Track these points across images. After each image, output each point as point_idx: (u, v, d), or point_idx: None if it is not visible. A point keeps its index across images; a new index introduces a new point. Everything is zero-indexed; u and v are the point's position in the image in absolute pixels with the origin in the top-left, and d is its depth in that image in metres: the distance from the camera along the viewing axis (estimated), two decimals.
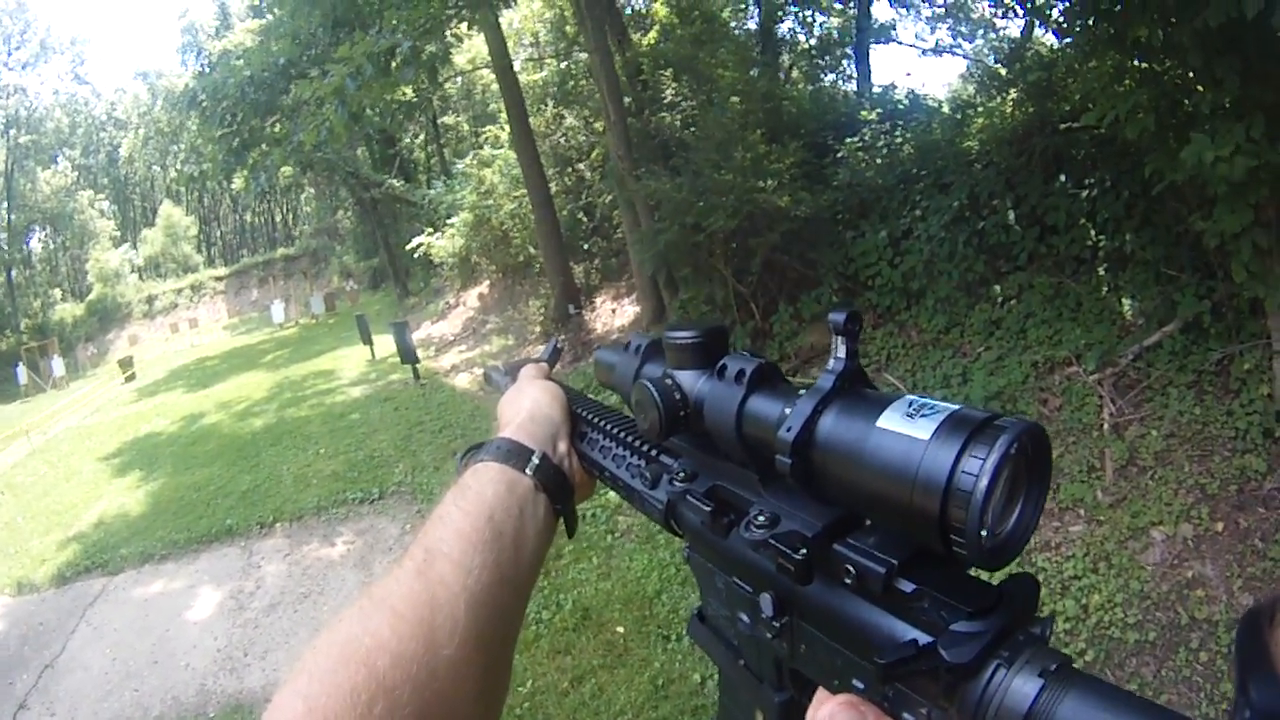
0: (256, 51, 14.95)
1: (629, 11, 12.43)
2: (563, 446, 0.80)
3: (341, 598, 6.20)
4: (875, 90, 9.96)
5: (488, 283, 17.11)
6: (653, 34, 11.68)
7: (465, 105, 22.92)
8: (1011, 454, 0.39)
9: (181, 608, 6.78)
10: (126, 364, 25.19)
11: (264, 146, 12.88)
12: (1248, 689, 0.76)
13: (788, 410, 0.51)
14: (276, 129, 13.00)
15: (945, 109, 8.92)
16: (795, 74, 11.61)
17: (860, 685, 0.47)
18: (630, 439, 0.76)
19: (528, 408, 0.81)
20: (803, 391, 0.51)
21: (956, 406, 0.43)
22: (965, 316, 6.49)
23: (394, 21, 8.06)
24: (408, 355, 12.32)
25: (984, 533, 0.40)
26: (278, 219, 56.85)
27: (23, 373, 31.44)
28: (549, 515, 0.73)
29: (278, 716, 0.51)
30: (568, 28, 13.14)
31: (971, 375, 5.94)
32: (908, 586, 0.43)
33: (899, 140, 8.14)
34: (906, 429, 0.43)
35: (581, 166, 13.43)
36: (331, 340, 21.14)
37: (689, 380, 0.63)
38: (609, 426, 0.79)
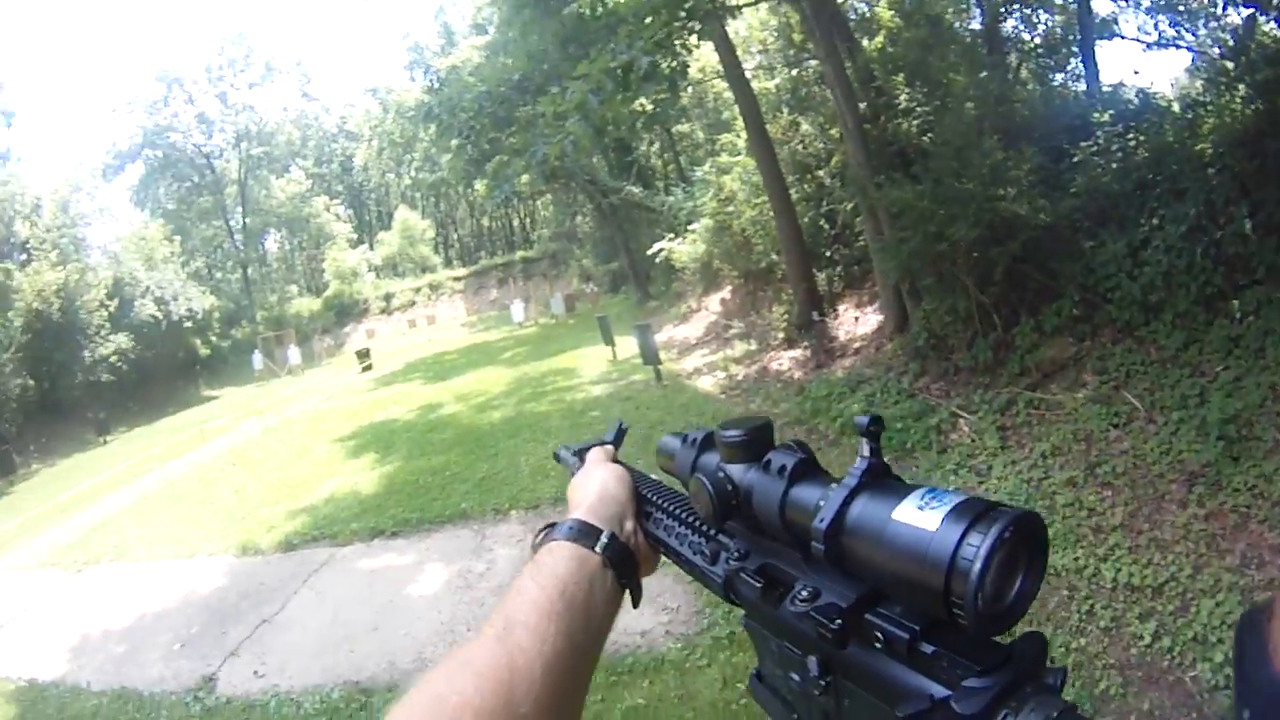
0: (488, 67, 16.06)
1: (853, 18, 12.40)
2: (629, 525, 0.86)
3: None
4: (1105, 90, 9.76)
5: (729, 288, 16.97)
6: (879, 38, 11.63)
7: (699, 113, 22.97)
8: (1005, 537, 0.47)
9: (407, 581, 6.98)
10: (364, 354, 26.07)
11: (503, 157, 13.65)
12: (1250, 684, 0.84)
13: (821, 502, 0.59)
14: (513, 140, 13.59)
15: (1175, 108, 8.52)
16: (1025, 74, 11.39)
17: None
18: (691, 519, 0.82)
19: (596, 490, 0.88)
20: (834, 485, 0.59)
21: (963, 497, 0.51)
22: (1204, 333, 6.20)
23: (625, 38, 8.16)
24: (650, 356, 12.43)
25: (980, 603, 0.47)
26: (515, 223, 57.47)
27: (258, 359, 33.50)
28: (615, 589, 0.79)
29: None
30: (795, 35, 13.31)
31: (1209, 396, 5.64)
32: (928, 649, 0.51)
33: (1132, 143, 7.75)
34: (918, 520, 0.51)
35: (821, 173, 13.19)
36: (571, 340, 20.78)
37: (738, 473, 0.71)
38: (672, 507, 0.86)
